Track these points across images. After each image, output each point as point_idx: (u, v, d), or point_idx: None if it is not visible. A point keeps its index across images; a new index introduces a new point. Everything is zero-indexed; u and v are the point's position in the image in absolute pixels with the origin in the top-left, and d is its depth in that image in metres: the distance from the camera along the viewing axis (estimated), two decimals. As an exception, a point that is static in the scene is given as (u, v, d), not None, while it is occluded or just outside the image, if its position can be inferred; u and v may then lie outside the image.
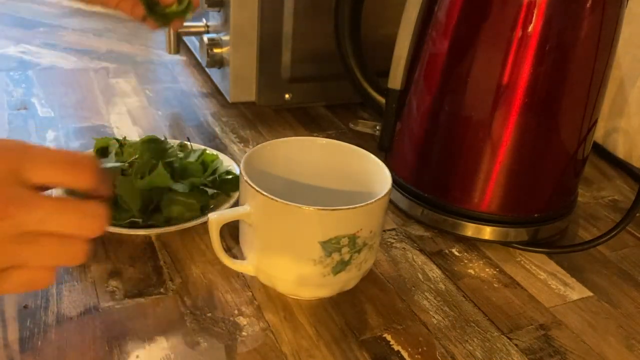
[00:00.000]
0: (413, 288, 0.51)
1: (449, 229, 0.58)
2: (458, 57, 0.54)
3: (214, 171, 0.60)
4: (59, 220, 0.33)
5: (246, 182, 0.44)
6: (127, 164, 0.56)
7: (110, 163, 0.57)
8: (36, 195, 0.32)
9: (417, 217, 0.60)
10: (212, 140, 0.72)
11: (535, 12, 0.50)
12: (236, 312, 0.47)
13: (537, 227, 0.57)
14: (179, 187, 0.55)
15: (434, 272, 0.53)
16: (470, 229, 0.57)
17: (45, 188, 0.35)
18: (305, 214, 0.42)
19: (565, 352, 0.46)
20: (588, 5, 0.50)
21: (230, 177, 0.59)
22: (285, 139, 0.51)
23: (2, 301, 0.45)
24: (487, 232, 0.57)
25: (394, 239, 0.57)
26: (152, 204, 0.54)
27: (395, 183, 0.60)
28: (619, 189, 0.71)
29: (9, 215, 0.31)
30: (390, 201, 0.60)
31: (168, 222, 0.53)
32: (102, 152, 0.60)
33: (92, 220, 0.34)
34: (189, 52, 0.97)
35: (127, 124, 0.74)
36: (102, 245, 0.53)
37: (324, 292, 0.47)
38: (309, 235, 0.43)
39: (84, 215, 0.33)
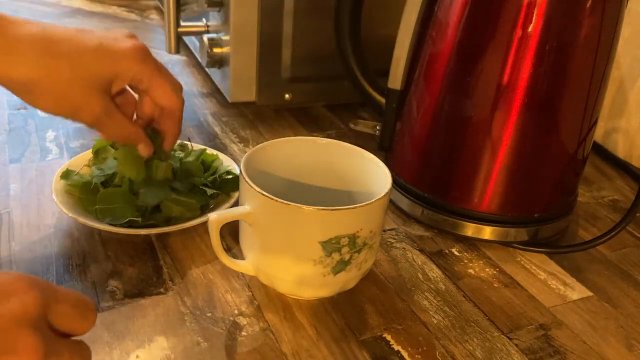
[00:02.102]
0: (413, 288, 0.51)
1: (449, 229, 0.58)
2: (458, 57, 0.54)
3: (214, 171, 0.60)
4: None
5: (246, 182, 0.44)
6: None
7: (110, 166, 0.57)
8: (61, 340, 0.33)
9: (417, 217, 0.60)
10: (212, 140, 0.72)
11: (535, 12, 0.50)
12: (236, 312, 0.47)
13: (537, 227, 0.57)
14: (179, 186, 0.55)
15: (434, 272, 0.53)
16: (470, 229, 0.57)
17: None
18: (305, 214, 0.42)
19: (565, 352, 0.46)
20: (588, 5, 0.50)
21: (230, 177, 0.59)
22: (285, 139, 0.51)
23: (2, 301, 0.45)
24: (487, 232, 0.57)
25: (394, 239, 0.57)
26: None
27: (395, 183, 0.60)
28: (619, 189, 0.71)
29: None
30: (390, 201, 0.60)
31: (168, 222, 0.53)
32: (97, 155, 0.60)
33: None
34: (189, 52, 0.97)
35: (127, 124, 0.74)
36: (102, 245, 0.53)
37: (324, 292, 0.47)
38: (309, 235, 0.43)
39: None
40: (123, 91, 0.52)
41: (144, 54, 0.49)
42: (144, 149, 0.53)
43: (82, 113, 0.47)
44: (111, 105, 0.48)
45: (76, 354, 0.33)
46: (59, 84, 0.45)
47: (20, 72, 0.44)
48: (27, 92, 0.46)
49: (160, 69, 0.51)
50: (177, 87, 0.52)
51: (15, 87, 0.46)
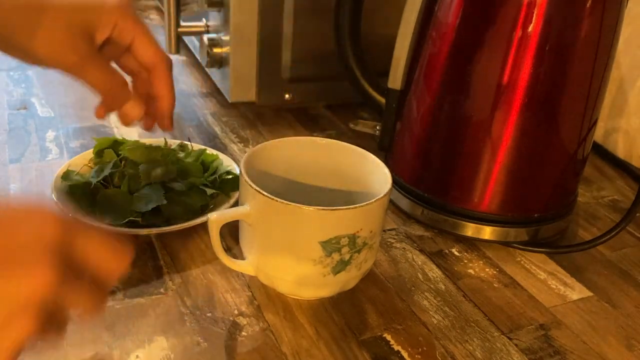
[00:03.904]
0: (413, 288, 0.51)
1: (449, 229, 0.58)
2: (458, 57, 0.54)
3: (214, 171, 0.60)
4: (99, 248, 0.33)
5: (246, 182, 0.44)
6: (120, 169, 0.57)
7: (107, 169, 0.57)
8: (81, 279, 0.32)
9: (417, 217, 0.60)
10: (212, 140, 0.72)
11: (535, 12, 0.50)
12: (236, 312, 0.47)
13: (537, 227, 0.57)
14: (178, 186, 0.55)
15: (434, 272, 0.53)
16: (470, 229, 0.57)
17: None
18: (305, 214, 0.42)
19: (565, 352, 0.46)
20: (588, 5, 0.50)
21: (230, 177, 0.59)
22: (285, 139, 0.51)
23: (2, 301, 0.45)
24: (487, 232, 0.57)
25: (394, 239, 0.57)
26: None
27: (395, 183, 0.60)
28: (619, 189, 0.71)
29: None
30: (390, 201, 0.60)
31: (168, 222, 0.53)
32: (99, 154, 0.60)
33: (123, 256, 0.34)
34: (189, 52, 0.97)
35: (127, 124, 0.74)
36: (102, 245, 0.53)
37: (324, 292, 0.47)
38: (309, 235, 0.43)
39: (116, 249, 0.34)
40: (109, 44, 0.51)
41: (127, 8, 0.49)
42: (133, 109, 0.52)
43: (68, 57, 0.47)
44: (93, 51, 0.48)
45: (91, 297, 0.33)
46: (45, 29, 0.46)
47: (6, 20, 0.45)
48: (12, 38, 0.47)
49: (143, 25, 0.50)
50: (160, 47, 0.51)
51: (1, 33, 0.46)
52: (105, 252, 0.33)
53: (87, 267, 0.32)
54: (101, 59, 0.49)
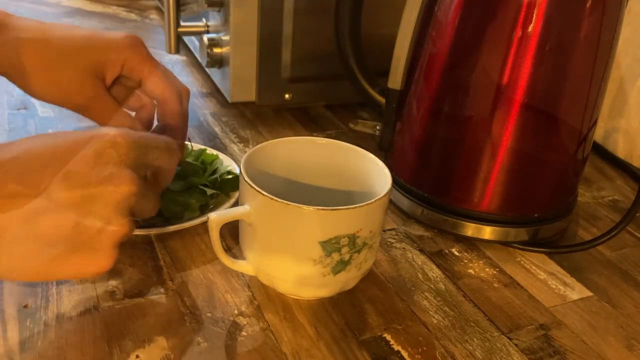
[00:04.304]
0: (413, 288, 0.51)
1: (449, 229, 0.58)
2: (458, 57, 0.54)
3: (214, 171, 0.60)
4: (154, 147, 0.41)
5: (246, 182, 0.44)
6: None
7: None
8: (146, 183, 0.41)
9: (417, 217, 0.60)
10: (212, 140, 0.72)
11: (535, 12, 0.50)
12: (236, 312, 0.47)
13: (537, 227, 0.57)
14: (176, 186, 0.55)
15: (434, 272, 0.53)
16: (470, 229, 0.57)
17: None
18: (305, 214, 0.42)
19: (565, 352, 0.46)
20: (588, 5, 0.50)
21: (230, 177, 0.59)
22: (285, 139, 0.51)
23: (2, 301, 0.45)
24: (487, 232, 0.57)
25: (394, 239, 0.57)
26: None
27: (396, 183, 0.60)
28: (619, 189, 0.71)
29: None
30: (390, 201, 0.60)
31: (168, 222, 0.53)
32: None
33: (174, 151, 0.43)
34: (189, 52, 0.97)
35: (127, 124, 0.74)
36: (102, 245, 0.53)
37: (324, 292, 0.47)
38: (309, 235, 0.43)
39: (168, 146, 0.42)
40: (119, 84, 0.52)
41: (136, 42, 0.49)
42: None
43: (73, 98, 0.47)
44: (101, 92, 0.49)
45: (154, 198, 0.42)
46: (50, 69, 0.46)
47: (11, 56, 0.45)
48: (19, 76, 0.46)
49: (152, 60, 0.50)
50: (172, 78, 0.52)
51: (8, 71, 0.46)
52: (164, 156, 0.42)
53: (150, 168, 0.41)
54: (107, 99, 0.49)
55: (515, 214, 0.57)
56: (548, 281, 0.53)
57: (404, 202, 0.61)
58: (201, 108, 0.81)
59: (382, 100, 0.64)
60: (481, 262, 0.55)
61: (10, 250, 0.35)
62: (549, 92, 0.53)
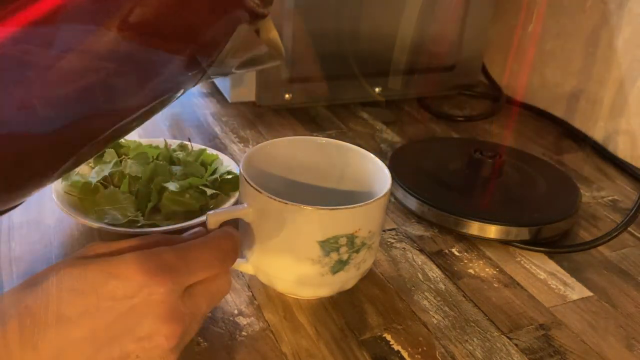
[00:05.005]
0: (413, 288, 0.51)
1: (451, 226, 0.58)
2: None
3: (214, 171, 0.60)
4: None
5: (246, 181, 0.44)
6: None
7: (107, 169, 0.57)
8: (195, 299, 0.38)
9: (417, 216, 0.60)
10: (212, 140, 0.72)
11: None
12: (236, 312, 0.47)
13: (538, 227, 0.57)
14: (174, 185, 0.55)
15: (434, 272, 0.53)
16: (473, 228, 0.57)
17: None
18: (304, 214, 0.42)
19: (565, 352, 0.46)
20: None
21: (230, 177, 0.59)
22: (285, 138, 0.51)
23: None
24: (489, 231, 0.57)
25: (394, 238, 0.57)
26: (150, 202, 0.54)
27: (396, 182, 0.60)
28: (620, 189, 0.71)
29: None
30: (394, 199, 0.60)
31: (168, 221, 0.53)
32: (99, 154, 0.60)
33: (230, 254, 0.40)
34: (189, 52, 0.97)
35: (127, 124, 0.74)
36: (102, 245, 0.53)
37: (323, 292, 0.47)
38: (308, 234, 0.43)
39: (222, 251, 0.40)
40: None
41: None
42: None
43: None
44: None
45: (211, 299, 0.39)
46: None
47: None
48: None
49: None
50: None
51: None
52: (213, 264, 0.39)
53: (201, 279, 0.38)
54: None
55: (517, 213, 0.56)
56: (548, 281, 0.53)
57: (405, 201, 0.61)
58: (201, 108, 0.81)
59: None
60: (481, 262, 0.55)
61: None
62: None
